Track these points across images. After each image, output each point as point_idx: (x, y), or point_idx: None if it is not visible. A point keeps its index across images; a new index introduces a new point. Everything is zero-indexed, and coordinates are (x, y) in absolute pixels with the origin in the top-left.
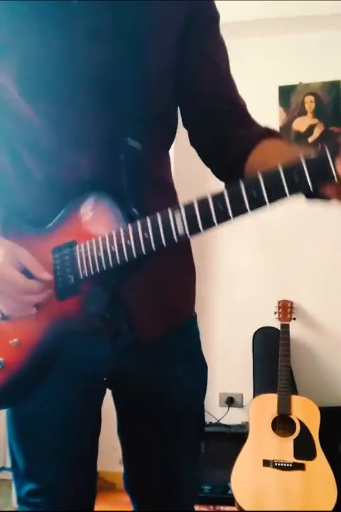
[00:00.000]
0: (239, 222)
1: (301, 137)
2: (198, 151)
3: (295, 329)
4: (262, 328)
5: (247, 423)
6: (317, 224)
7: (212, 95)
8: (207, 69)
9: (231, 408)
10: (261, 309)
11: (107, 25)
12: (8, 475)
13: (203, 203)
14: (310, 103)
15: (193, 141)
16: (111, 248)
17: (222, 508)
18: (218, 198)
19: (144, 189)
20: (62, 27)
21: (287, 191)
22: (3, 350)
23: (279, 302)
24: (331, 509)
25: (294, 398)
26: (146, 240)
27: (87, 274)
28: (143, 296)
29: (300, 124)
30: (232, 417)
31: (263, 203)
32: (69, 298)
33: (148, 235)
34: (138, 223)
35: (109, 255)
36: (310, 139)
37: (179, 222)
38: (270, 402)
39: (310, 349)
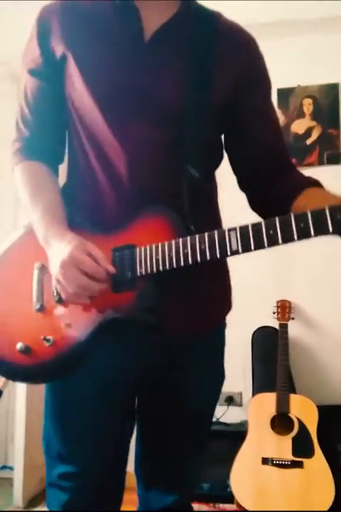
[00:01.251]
0: (238, 222)
1: (299, 139)
2: (247, 194)
3: (294, 329)
4: (261, 327)
5: (246, 421)
6: None
7: (264, 145)
8: (262, 122)
9: (230, 407)
10: (260, 309)
11: (177, 63)
12: (10, 473)
13: (256, 226)
14: (308, 106)
15: (242, 186)
16: (169, 253)
17: (221, 505)
18: (270, 224)
19: (200, 211)
20: (138, 60)
21: (330, 227)
22: (55, 330)
23: (278, 302)
24: (329, 507)
25: (292, 397)
26: (202, 251)
27: (143, 273)
28: (176, 296)
29: (299, 127)
30: (231, 416)
31: (309, 234)
32: (125, 292)
33: (205, 246)
34: (197, 236)
35: (167, 259)
36: (308, 141)
37: (233, 240)
38: (269, 400)
39: (309, 348)
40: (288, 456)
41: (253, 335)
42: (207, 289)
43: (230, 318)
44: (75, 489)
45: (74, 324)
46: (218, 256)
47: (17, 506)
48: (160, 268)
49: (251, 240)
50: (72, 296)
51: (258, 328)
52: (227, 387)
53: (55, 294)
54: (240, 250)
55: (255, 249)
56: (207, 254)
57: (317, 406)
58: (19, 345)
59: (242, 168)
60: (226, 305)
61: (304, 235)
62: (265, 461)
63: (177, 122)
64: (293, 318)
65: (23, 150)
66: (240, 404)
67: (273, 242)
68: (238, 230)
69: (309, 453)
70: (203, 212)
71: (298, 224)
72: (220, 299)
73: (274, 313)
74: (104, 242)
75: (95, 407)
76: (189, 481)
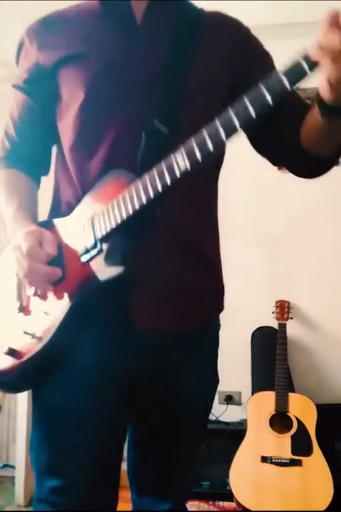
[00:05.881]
0: (237, 223)
1: None
2: (267, 156)
3: (292, 329)
4: (260, 327)
5: (245, 420)
6: (315, 224)
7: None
8: None
9: (229, 406)
10: (259, 309)
11: (164, 42)
12: (12, 472)
13: (199, 135)
14: None
15: (259, 149)
16: (124, 203)
17: (220, 503)
18: (211, 126)
19: (187, 204)
20: (128, 42)
21: (270, 101)
22: (35, 322)
23: (277, 302)
24: (327, 505)
25: (291, 396)
26: (154, 186)
27: (103, 232)
28: (151, 295)
29: None
30: (231, 415)
31: (250, 116)
32: (93, 259)
33: (155, 180)
34: (146, 174)
35: (123, 209)
36: None
37: (180, 160)
38: (268, 399)
39: (307, 348)
40: (287, 454)
41: (252, 335)
42: (187, 285)
43: (230, 318)
44: (66, 504)
45: (51, 310)
46: (168, 182)
47: (18, 505)
48: (119, 220)
49: (196, 149)
50: (30, 278)
51: (258, 328)
52: (227, 387)
53: (28, 287)
54: (188, 166)
55: (202, 157)
56: (158, 185)
57: (316, 405)
58: (5, 350)
59: (257, 134)
60: (214, 305)
61: (244, 120)
62: (264, 459)
63: (157, 87)
64: (291, 318)
65: (5, 160)
66: (239, 403)
67: (216, 142)
68: (182, 148)
69: (308, 451)
70: (190, 206)
71: (237, 110)
72: (205, 297)
73: (273, 313)
74: (67, 224)
75: (83, 414)
76: (183, 487)
